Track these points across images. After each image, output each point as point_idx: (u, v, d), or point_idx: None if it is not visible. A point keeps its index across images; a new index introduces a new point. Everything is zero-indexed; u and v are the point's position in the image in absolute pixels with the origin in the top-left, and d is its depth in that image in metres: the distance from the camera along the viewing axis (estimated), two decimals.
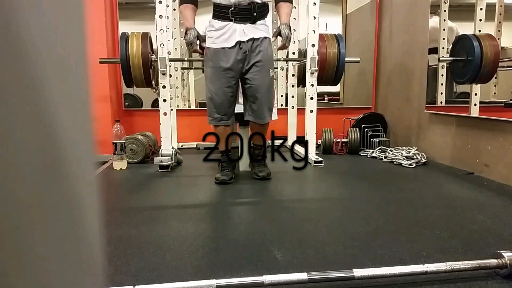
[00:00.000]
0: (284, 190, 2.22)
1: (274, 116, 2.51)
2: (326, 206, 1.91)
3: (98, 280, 0.33)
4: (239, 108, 2.46)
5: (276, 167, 2.71)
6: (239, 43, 2.16)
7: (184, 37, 2.22)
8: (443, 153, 2.86)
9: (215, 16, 2.20)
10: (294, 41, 3.38)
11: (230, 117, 2.33)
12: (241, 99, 2.46)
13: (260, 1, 2.19)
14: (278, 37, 2.26)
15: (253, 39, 2.18)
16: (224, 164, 2.39)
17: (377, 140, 3.33)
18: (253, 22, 2.18)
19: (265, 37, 2.23)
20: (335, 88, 3.81)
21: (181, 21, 3.75)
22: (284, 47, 2.27)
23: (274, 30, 2.33)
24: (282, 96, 3.97)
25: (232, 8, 2.14)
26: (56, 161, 0.27)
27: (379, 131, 3.44)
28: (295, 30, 3.29)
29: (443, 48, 2.88)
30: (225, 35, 2.17)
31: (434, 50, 2.95)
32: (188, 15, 2.22)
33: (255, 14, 2.16)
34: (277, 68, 3.64)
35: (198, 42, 2.22)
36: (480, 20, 2.63)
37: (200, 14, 2.33)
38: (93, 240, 0.32)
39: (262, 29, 2.22)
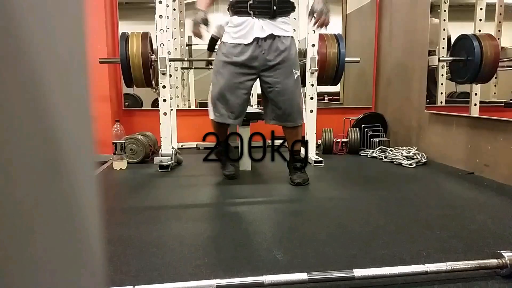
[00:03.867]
0: (284, 190, 2.22)
1: (304, 118, 2.29)
2: (326, 206, 1.91)
3: (98, 280, 0.33)
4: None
5: (276, 167, 2.71)
6: (257, 39, 2.04)
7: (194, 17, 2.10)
8: (443, 153, 2.86)
9: (234, 13, 2.08)
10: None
11: (239, 116, 2.19)
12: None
13: None
14: (313, 16, 2.02)
15: (272, 37, 2.05)
16: (226, 163, 2.42)
17: (377, 140, 3.33)
18: (273, 17, 2.04)
19: (287, 36, 2.09)
20: (335, 88, 3.81)
21: (181, 21, 3.75)
22: (322, 23, 1.99)
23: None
24: None
25: (251, 2, 2.02)
26: (56, 161, 0.27)
27: (379, 131, 3.44)
28: (295, 31, 3.22)
29: (443, 48, 2.88)
30: (243, 31, 2.05)
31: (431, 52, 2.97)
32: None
33: (274, 7, 2.03)
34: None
35: (202, 25, 2.09)
36: (480, 20, 2.63)
37: None
38: (93, 240, 0.32)
39: (283, 27, 2.08)
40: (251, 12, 2.03)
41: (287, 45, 2.09)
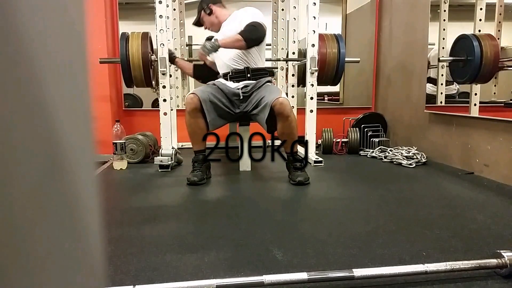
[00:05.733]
0: (284, 190, 2.22)
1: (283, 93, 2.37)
2: (326, 206, 1.91)
3: (98, 280, 0.33)
4: None
5: (276, 167, 2.71)
6: (239, 89, 2.35)
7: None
8: (443, 153, 2.86)
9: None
10: (294, 41, 3.38)
11: (218, 119, 2.33)
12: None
13: (254, 66, 2.41)
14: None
15: (250, 84, 2.35)
16: (195, 164, 2.36)
17: (377, 140, 3.33)
18: (248, 79, 2.38)
19: (264, 82, 2.37)
20: (335, 88, 3.81)
21: (181, 21, 3.75)
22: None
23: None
24: None
25: (230, 74, 2.39)
26: (56, 161, 0.27)
27: (379, 131, 3.44)
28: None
29: (443, 48, 2.88)
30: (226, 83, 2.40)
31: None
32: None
33: (249, 75, 2.38)
34: (277, 68, 3.64)
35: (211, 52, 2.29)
36: (480, 20, 2.63)
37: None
38: (93, 240, 0.32)
39: (260, 79, 2.38)
40: (231, 81, 2.38)
41: (264, 86, 2.37)
